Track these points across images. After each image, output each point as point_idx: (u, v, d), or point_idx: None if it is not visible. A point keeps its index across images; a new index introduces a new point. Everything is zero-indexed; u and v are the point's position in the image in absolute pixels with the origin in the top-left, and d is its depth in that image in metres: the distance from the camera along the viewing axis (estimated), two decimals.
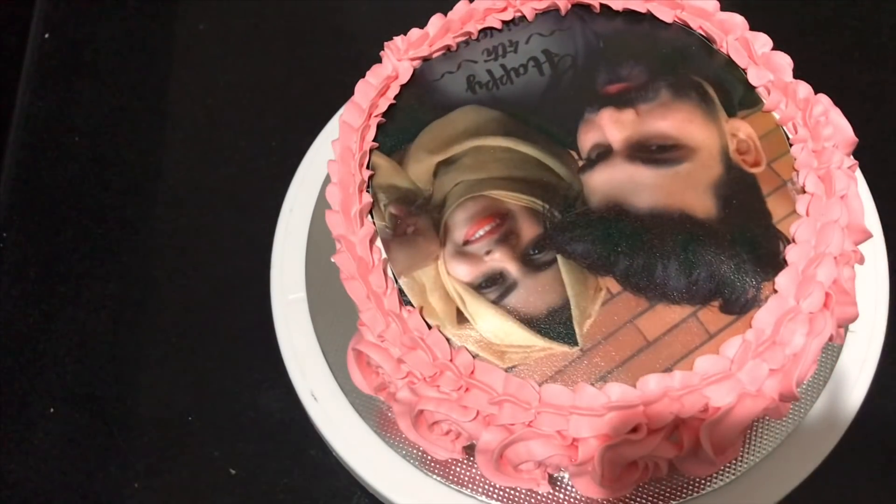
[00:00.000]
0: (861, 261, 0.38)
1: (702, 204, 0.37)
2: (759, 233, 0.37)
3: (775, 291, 0.35)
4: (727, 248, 0.36)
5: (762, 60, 0.41)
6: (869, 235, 0.37)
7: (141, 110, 0.58)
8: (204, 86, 0.61)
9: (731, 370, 0.33)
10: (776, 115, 0.40)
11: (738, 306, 0.35)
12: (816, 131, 0.39)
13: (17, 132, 0.60)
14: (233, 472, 0.47)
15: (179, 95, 0.61)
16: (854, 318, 0.35)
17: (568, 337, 0.35)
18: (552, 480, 0.37)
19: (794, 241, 0.36)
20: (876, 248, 0.44)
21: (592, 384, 0.34)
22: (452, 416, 0.34)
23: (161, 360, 0.51)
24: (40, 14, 0.66)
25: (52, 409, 0.50)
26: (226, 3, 0.66)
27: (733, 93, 0.41)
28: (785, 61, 0.41)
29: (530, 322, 0.35)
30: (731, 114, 0.40)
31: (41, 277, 0.54)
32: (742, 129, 0.40)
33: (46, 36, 0.64)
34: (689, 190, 0.38)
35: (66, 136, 0.60)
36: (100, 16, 0.65)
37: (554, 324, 0.35)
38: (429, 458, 0.39)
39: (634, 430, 0.32)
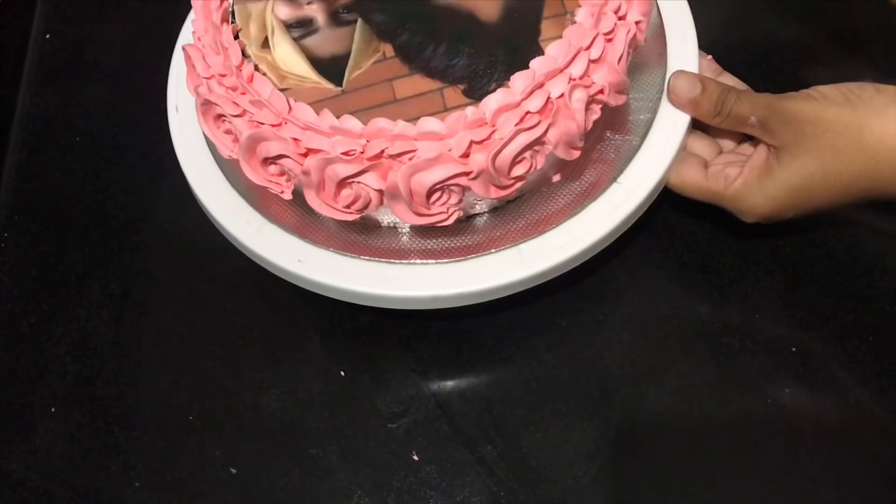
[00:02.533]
0: (611, 99, 0.41)
1: (489, 10, 0.43)
2: (523, 45, 0.41)
3: (508, 87, 0.39)
4: (491, 49, 0.41)
5: None
6: (622, 79, 0.40)
7: (141, 110, 0.57)
8: None
9: (442, 133, 0.38)
10: None
11: (478, 94, 0.40)
12: None
13: (18, 132, 0.60)
14: (233, 471, 0.47)
15: None
16: (573, 135, 0.39)
17: (336, 78, 0.42)
18: (297, 195, 0.43)
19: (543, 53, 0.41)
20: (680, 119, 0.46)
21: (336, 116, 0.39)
22: (226, 109, 0.40)
23: (161, 360, 0.51)
24: (41, 14, 0.66)
25: (52, 409, 0.50)
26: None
27: None
28: None
29: (314, 60, 0.43)
30: None
31: (41, 277, 0.54)
32: None
33: (47, 36, 0.65)
34: None
35: (66, 136, 0.60)
36: (100, 16, 0.65)
37: (330, 67, 0.42)
38: (251, 185, 0.44)
39: (348, 153, 0.38)
